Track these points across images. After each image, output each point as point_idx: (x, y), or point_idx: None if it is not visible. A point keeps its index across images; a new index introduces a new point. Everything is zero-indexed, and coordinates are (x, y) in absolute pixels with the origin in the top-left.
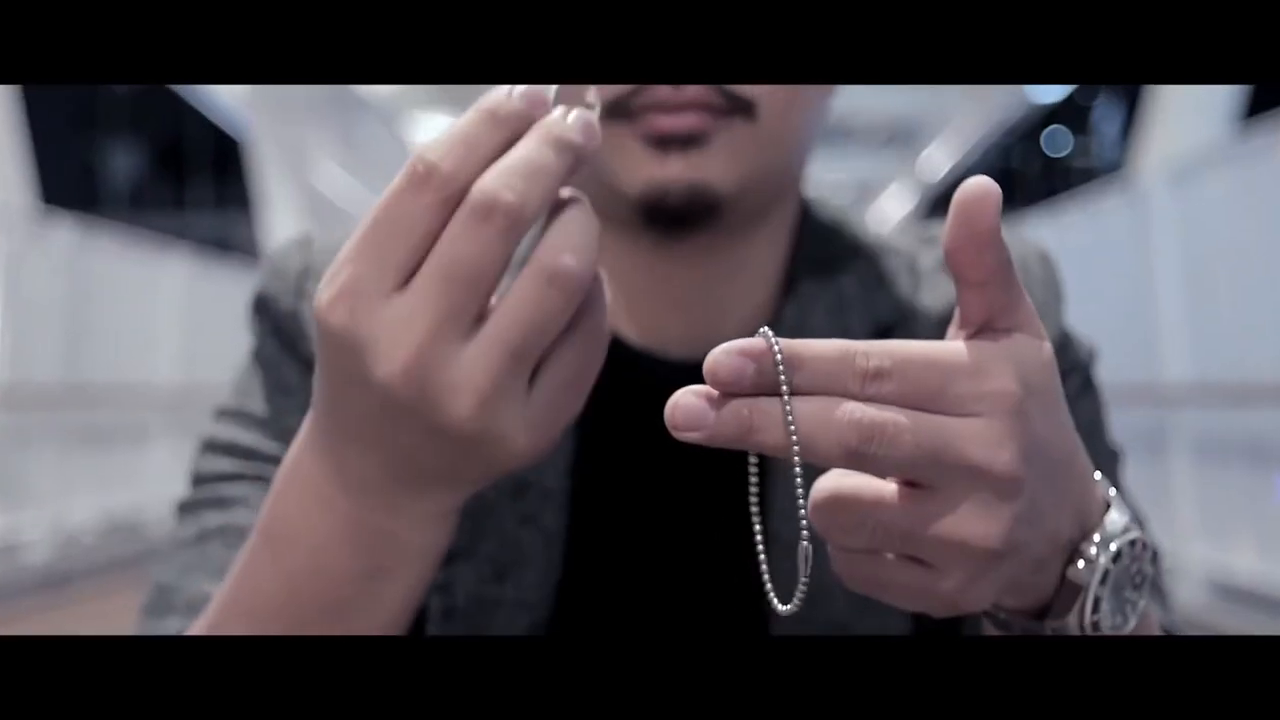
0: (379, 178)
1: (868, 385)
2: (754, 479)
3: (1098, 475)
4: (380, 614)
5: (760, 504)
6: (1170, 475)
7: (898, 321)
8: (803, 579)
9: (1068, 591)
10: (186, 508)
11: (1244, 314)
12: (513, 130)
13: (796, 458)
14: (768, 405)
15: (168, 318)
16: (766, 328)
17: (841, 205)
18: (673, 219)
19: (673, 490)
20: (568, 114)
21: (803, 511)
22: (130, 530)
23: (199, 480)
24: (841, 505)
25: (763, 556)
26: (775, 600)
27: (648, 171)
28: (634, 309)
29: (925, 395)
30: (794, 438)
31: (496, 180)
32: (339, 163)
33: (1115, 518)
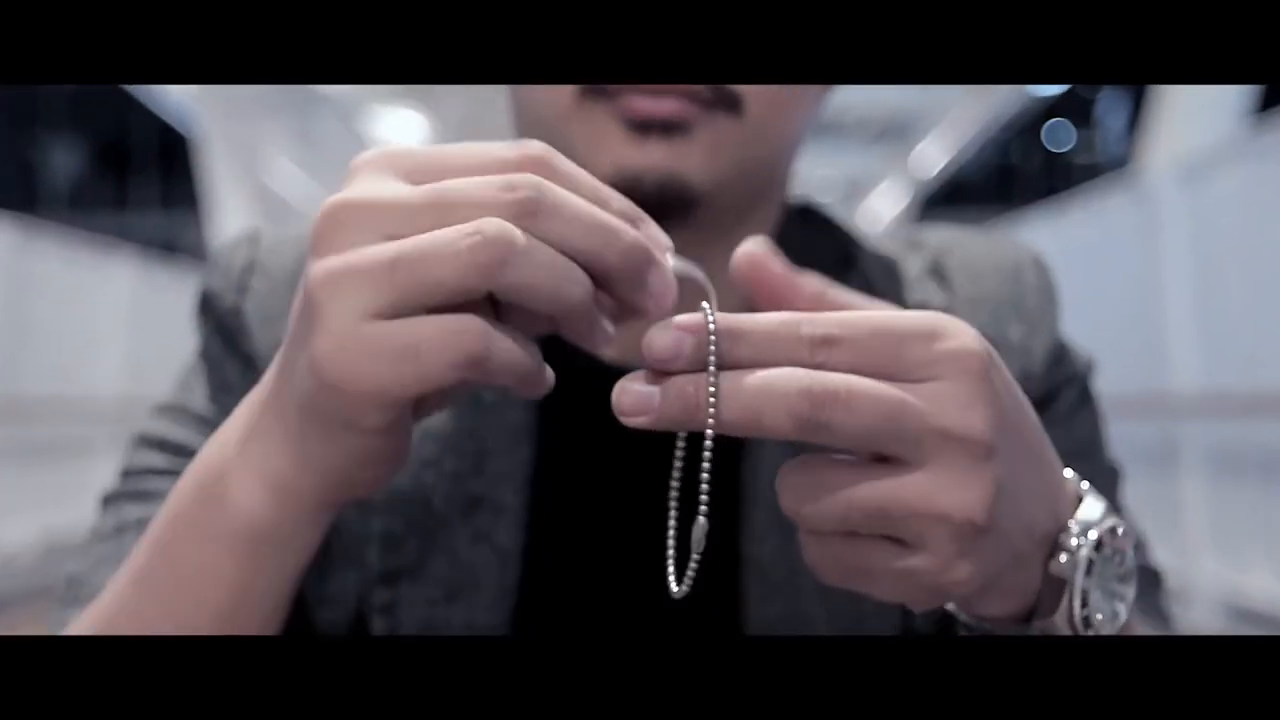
0: (337, 175)
1: (816, 353)
2: (704, 496)
3: (1069, 472)
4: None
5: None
6: (1180, 491)
7: (839, 269)
8: (695, 555)
9: (1052, 587)
10: (109, 500)
11: (1258, 318)
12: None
13: (709, 430)
14: (709, 380)
15: (111, 325)
16: (705, 302)
17: (827, 207)
18: (642, 209)
19: (640, 506)
20: (661, 265)
21: (705, 489)
22: (71, 551)
23: (126, 474)
24: (811, 481)
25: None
26: (673, 582)
27: (622, 155)
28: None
29: (881, 360)
30: (710, 411)
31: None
32: (293, 160)
33: (1091, 505)
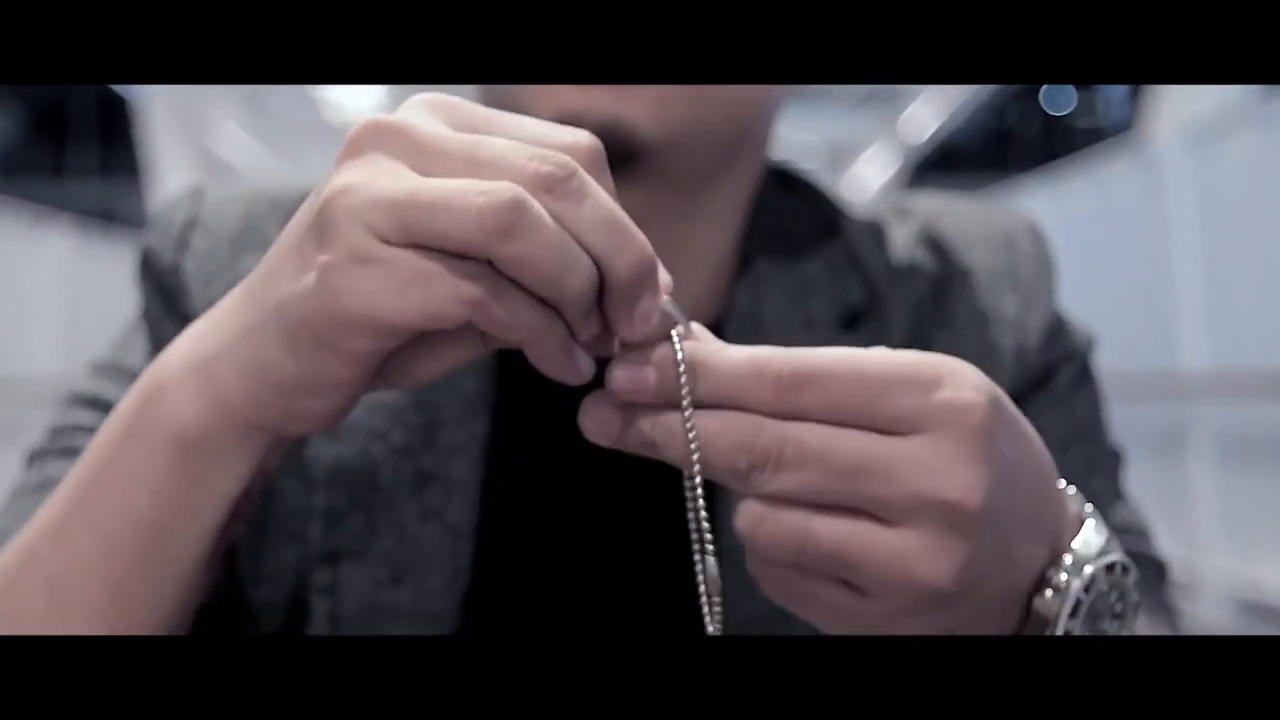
0: (288, 141)
1: (785, 396)
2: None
3: (1071, 490)
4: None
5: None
6: (1188, 477)
7: (867, 307)
8: (715, 600)
9: (1034, 625)
10: (35, 456)
11: (1270, 293)
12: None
13: (696, 476)
14: (669, 421)
15: (46, 300)
16: (681, 327)
17: (810, 173)
18: None
19: (600, 482)
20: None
21: (705, 524)
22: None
23: (55, 431)
24: (768, 511)
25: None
26: (709, 620)
27: (562, 97)
28: None
29: (859, 408)
30: (695, 457)
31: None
32: (241, 125)
33: (1090, 538)
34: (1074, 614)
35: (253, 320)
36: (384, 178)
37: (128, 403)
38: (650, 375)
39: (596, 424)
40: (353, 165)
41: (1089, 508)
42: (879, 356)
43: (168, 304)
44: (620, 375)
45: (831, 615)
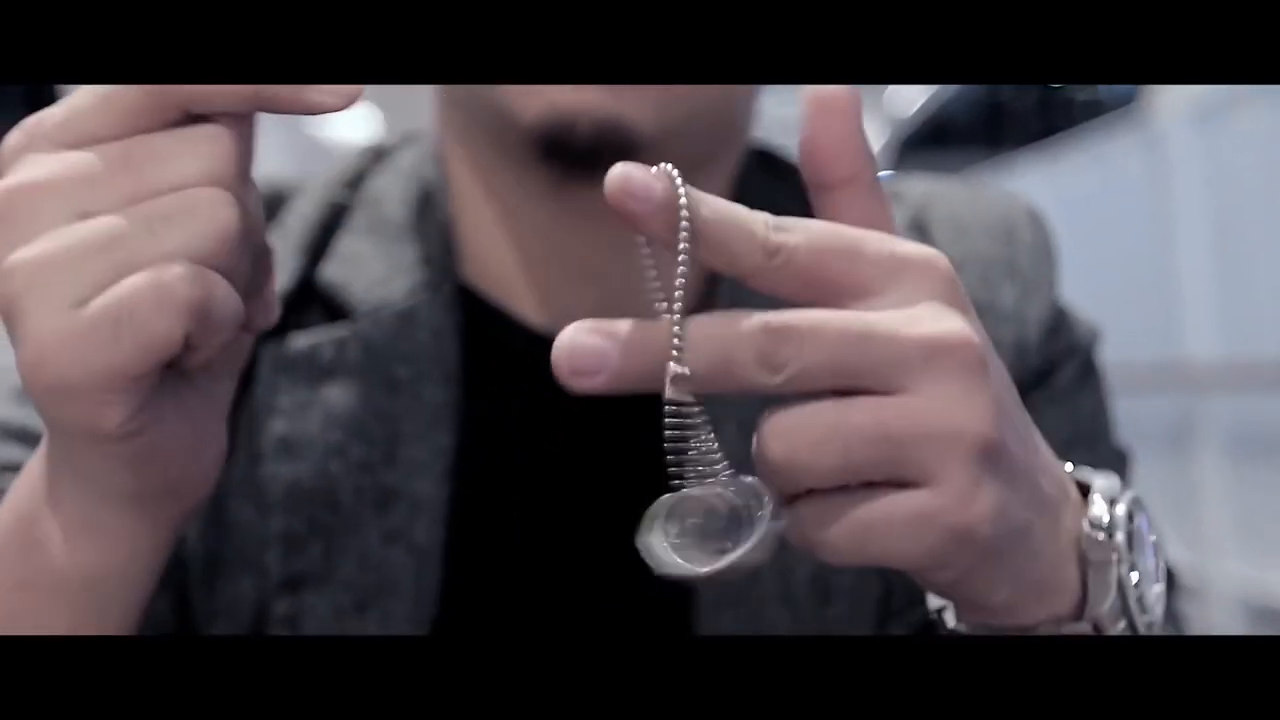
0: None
1: (771, 257)
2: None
3: (1068, 466)
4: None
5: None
6: (1197, 475)
7: None
8: (763, 524)
9: (1097, 572)
10: None
11: None
12: None
13: (675, 382)
14: (661, 329)
15: None
16: (668, 164)
17: (791, 151)
18: (576, 158)
19: (574, 498)
20: None
21: (674, 457)
22: None
23: None
24: (801, 421)
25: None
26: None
27: (554, 95)
28: (529, 277)
29: (833, 276)
30: (676, 358)
31: None
32: None
33: (1103, 482)
34: (1129, 546)
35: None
36: (65, 237)
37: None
38: (658, 188)
39: (587, 359)
40: (16, 244)
41: (1069, 466)
42: (846, 229)
43: None
44: (632, 180)
45: (906, 529)
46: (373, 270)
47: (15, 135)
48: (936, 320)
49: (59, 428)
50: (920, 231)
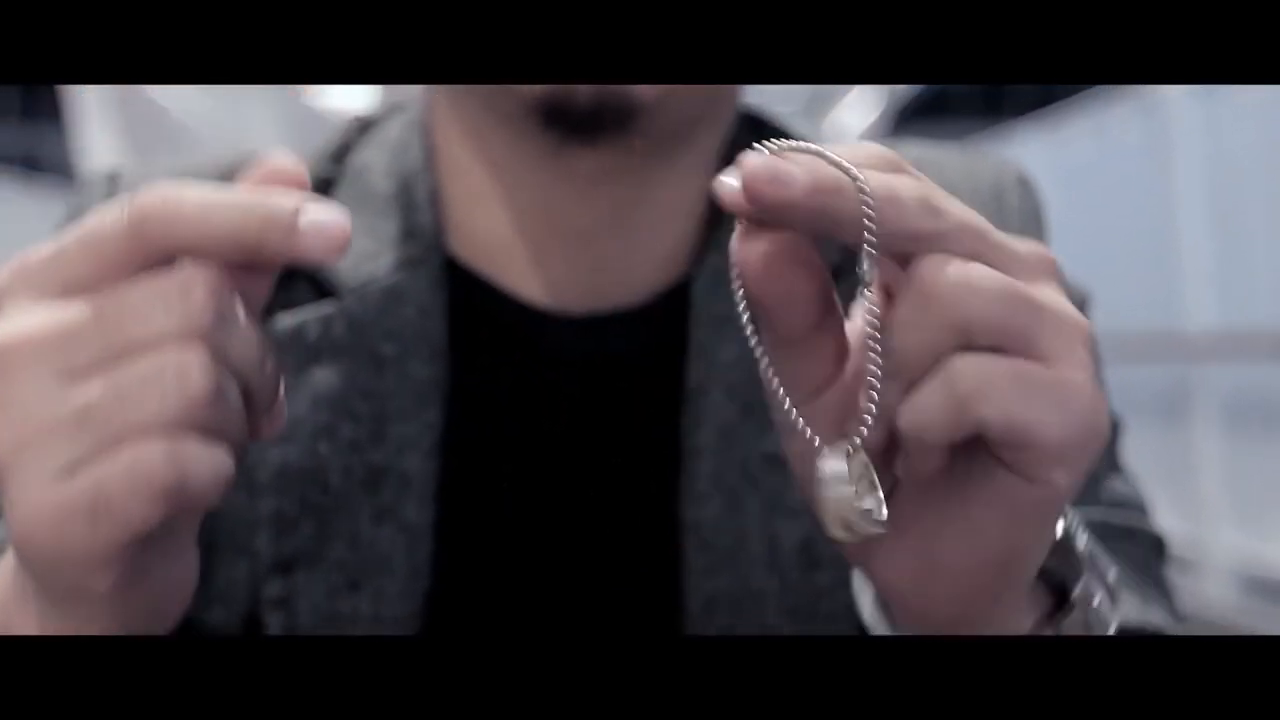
0: (232, 87)
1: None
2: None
3: None
4: None
5: (674, 490)
6: (1193, 444)
7: (843, 264)
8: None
9: (1064, 559)
10: None
11: None
12: None
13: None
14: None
15: None
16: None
17: (784, 119)
18: (576, 125)
19: (564, 469)
20: None
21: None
22: None
23: None
24: (973, 275)
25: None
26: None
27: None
28: (521, 245)
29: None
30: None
31: None
32: None
33: None
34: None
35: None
36: (44, 406)
37: None
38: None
39: (778, 174)
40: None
41: None
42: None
43: None
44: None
45: (1062, 401)
46: (358, 245)
47: (2, 274)
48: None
49: (49, 585)
50: None
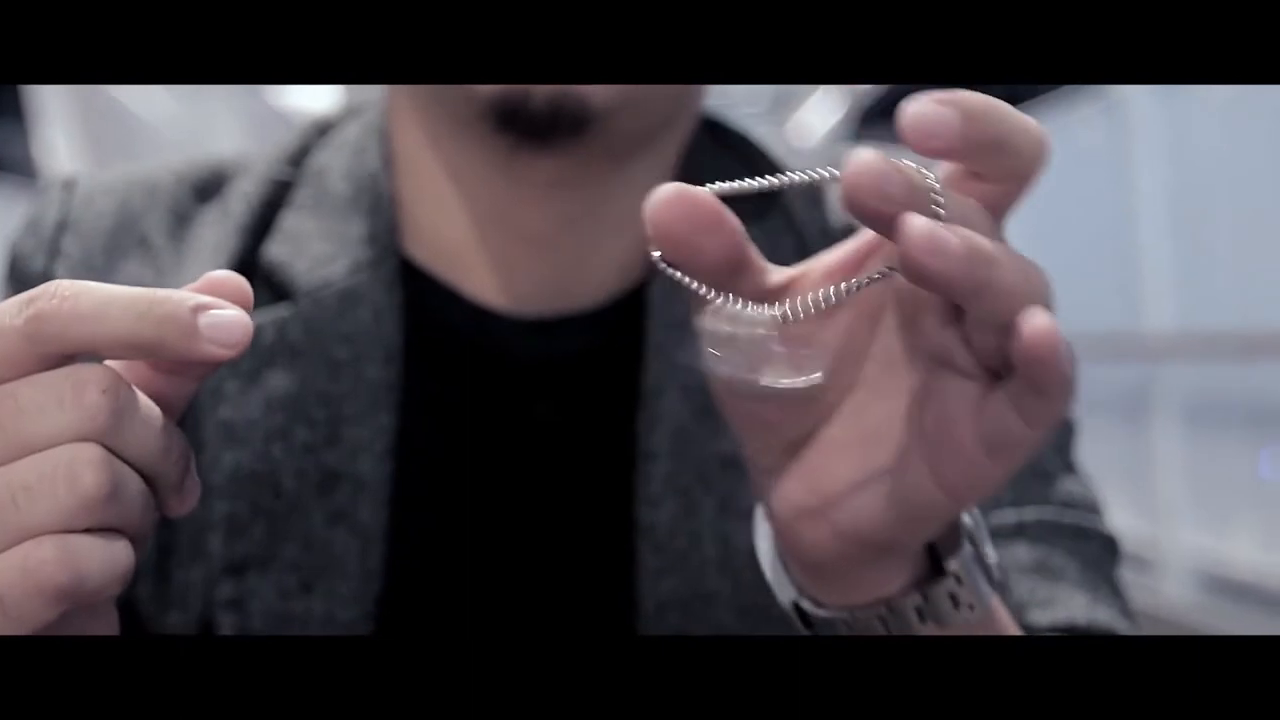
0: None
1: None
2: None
3: None
4: None
5: (628, 492)
6: (1153, 445)
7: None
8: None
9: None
10: None
11: (1242, 251)
12: None
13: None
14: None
15: None
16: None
17: (744, 123)
18: (531, 128)
19: (520, 475)
20: None
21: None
22: None
23: None
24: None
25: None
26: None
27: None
28: (478, 248)
29: None
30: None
31: None
32: None
33: None
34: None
35: None
36: None
37: None
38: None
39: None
40: None
41: None
42: None
43: None
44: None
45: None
46: (315, 248)
47: None
48: None
49: None
50: None
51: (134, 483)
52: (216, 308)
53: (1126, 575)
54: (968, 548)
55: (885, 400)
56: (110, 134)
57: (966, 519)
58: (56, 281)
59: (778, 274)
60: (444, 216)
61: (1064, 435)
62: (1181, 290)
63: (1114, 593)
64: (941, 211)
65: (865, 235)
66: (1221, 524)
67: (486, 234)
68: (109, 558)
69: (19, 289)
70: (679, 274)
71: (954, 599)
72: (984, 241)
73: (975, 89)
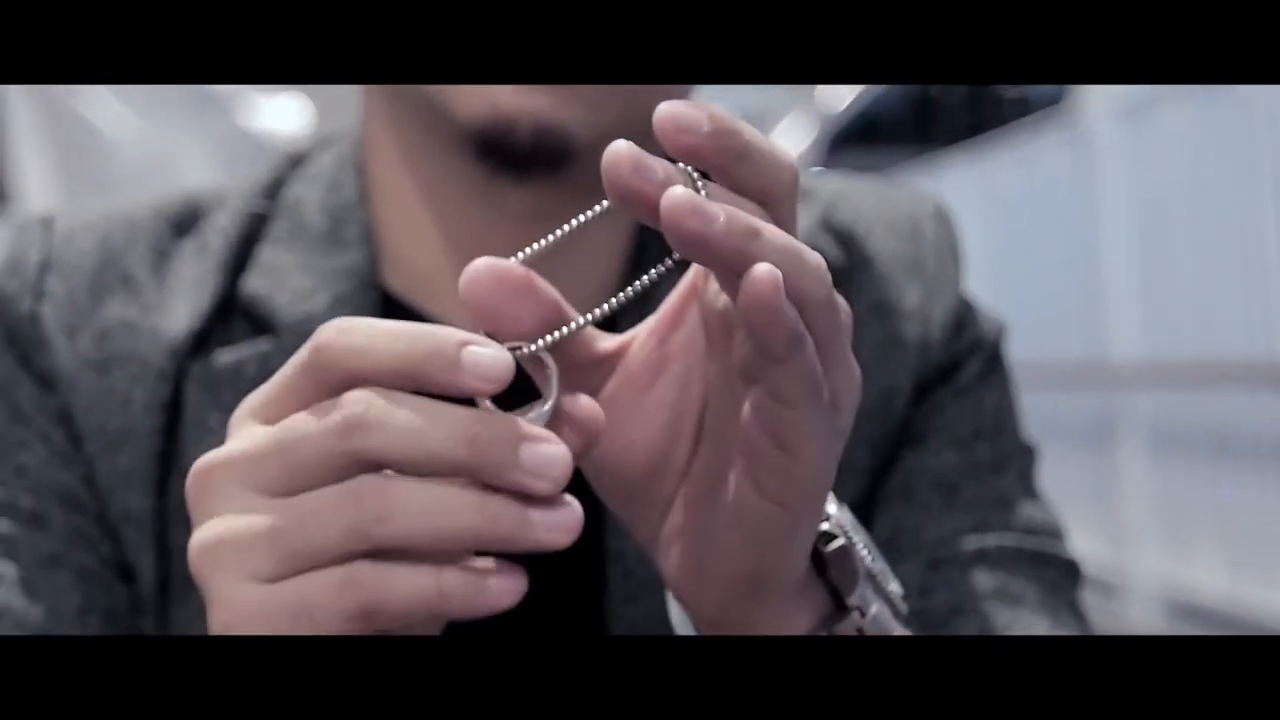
0: (160, 105)
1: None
2: None
3: None
4: None
5: (599, 519)
6: (1119, 472)
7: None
8: None
9: (839, 563)
10: None
11: (1207, 279)
12: None
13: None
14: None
15: None
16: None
17: None
18: (511, 159)
19: None
20: None
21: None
22: None
23: None
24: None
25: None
26: None
27: (497, 96)
28: (454, 277)
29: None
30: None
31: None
32: (117, 95)
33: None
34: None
35: None
36: (239, 520)
37: None
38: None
39: (681, 207)
40: (205, 516)
41: None
42: None
43: (21, 360)
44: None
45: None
46: (295, 282)
47: (239, 409)
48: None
49: None
50: (829, 230)
51: None
52: (479, 344)
53: (1092, 601)
54: (865, 584)
55: (721, 445)
56: (78, 154)
57: (866, 557)
58: (337, 320)
59: (609, 340)
60: (421, 246)
61: (1025, 461)
62: (1146, 320)
63: (1075, 616)
64: (704, 192)
65: (679, 291)
66: (1186, 550)
67: (462, 261)
68: (412, 576)
69: (4, 331)
70: (511, 345)
71: (861, 634)
72: (746, 215)
73: (972, 85)
